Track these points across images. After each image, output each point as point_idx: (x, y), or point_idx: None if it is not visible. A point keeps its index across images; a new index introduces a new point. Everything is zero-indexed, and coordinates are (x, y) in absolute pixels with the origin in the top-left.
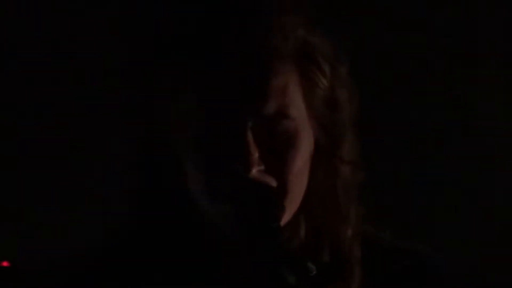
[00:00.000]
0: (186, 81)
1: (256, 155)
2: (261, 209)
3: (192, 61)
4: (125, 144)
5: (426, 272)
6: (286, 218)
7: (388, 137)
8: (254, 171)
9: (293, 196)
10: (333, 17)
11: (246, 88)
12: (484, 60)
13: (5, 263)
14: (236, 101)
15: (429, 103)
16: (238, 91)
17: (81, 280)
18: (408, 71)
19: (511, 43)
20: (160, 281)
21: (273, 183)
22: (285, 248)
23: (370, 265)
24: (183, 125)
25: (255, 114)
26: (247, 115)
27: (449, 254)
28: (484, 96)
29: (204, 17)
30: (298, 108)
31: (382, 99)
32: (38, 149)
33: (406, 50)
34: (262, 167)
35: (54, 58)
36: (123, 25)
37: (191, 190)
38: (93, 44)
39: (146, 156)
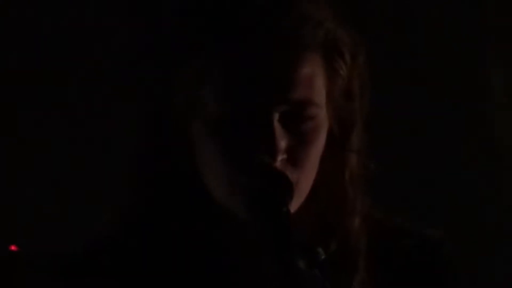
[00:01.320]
0: (213, 66)
1: (282, 144)
2: (273, 194)
3: (222, 47)
4: (134, 130)
5: (433, 253)
6: (295, 205)
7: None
8: (279, 159)
9: (306, 183)
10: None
11: (275, 75)
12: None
13: (13, 247)
14: (264, 89)
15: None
16: (267, 79)
17: (86, 269)
18: (411, 69)
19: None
20: (169, 268)
21: (293, 171)
22: (294, 233)
23: (376, 250)
24: (204, 110)
25: (282, 102)
26: (275, 103)
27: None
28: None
29: (237, 4)
30: (321, 97)
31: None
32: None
33: (409, 48)
34: (285, 156)
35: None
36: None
37: (204, 176)
38: (108, 28)
39: (157, 141)
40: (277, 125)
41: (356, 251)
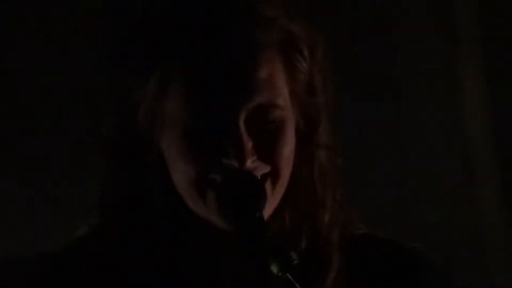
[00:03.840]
0: (174, 77)
1: (249, 146)
2: (247, 199)
3: (180, 57)
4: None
5: (409, 263)
6: (273, 204)
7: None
8: (249, 162)
9: (282, 182)
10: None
11: (236, 80)
12: None
13: None
14: (227, 95)
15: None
16: (228, 85)
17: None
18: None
19: None
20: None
21: (266, 170)
22: (268, 237)
23: (351, 254)
24: (169, 120)
25: (246, 106)
26: (239, 108)
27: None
28: None
29: (189, 13)
30: (284, 96)
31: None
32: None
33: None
34: (255, 157)
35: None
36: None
37: (176, 184)
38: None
39: (127, 153)
40: (243, 129)
41: (327, 247)
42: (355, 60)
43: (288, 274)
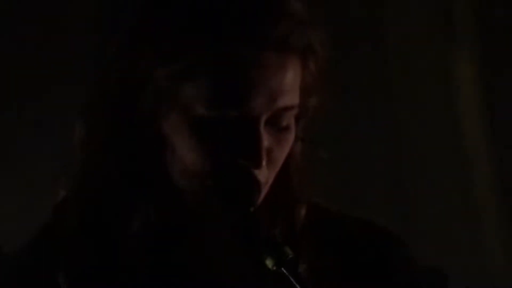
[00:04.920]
0: (202, 65)
1: (265, 149)
2: (243, 194)
3: (211, 48)
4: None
5: (380, 241)
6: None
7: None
8: (264, 164)
9: (271, 179)
10: None
11: (265, 83)
12: None
13: None
14: (254, 95)
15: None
16: (256, 85)
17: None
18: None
19: None
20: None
21: (268, 172)
22: (262, 232)
23: (321, 237)
24: (179, 105)
25: (270, 109)
26: (264, 110)
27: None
28: None
29: (227, 6)
30: (298, 98)
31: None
32: None
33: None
34: (265, 161)
35: None
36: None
37: (173, 169)
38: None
39: (126, 138)
40: (262, 131)
41: (301, 238)
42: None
43: (282, 269)
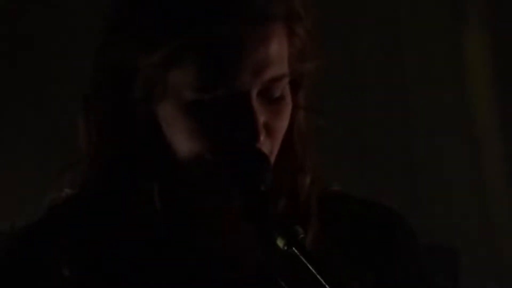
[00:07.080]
0: (184, 48)
1: (262, 122)
2: (254, 173)
3: (193, 30)
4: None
5: (383, 220)
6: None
7: None
8: (262, 138)
9: (276, 151)
10: None
11: (249, 55)
12: None
13: None
14: (240, 69)
15: None
16: (241, 59)
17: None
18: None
19: None
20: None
21: (270, 146)
22: (273, 211)
23: (327, 212)
24: (170, 90)
25: (259, 80)
26: (253, 81)
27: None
28: None
29: None
30: (286, 66)
31: None
32: None
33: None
34: (264, 134)
35: None
36: None
37: (176, 154)
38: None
39: (126, 122)
40: (255, 105)
41: (306, 209)
42: (361, 43)
43: (294, 248)
